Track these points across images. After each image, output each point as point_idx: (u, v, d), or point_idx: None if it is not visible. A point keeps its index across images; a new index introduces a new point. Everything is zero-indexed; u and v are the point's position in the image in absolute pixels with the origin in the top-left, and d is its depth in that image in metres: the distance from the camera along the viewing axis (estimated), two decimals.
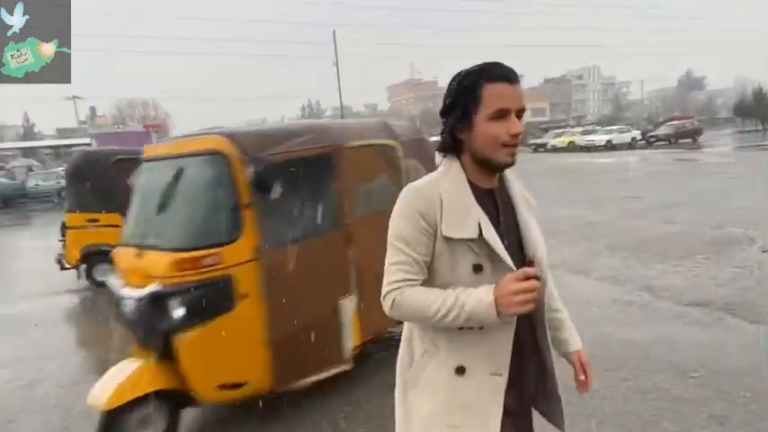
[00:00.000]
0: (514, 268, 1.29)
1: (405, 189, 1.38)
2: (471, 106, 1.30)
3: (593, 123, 47.15)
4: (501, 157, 1.31)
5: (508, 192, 1.43)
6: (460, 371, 1.34)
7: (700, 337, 4.12)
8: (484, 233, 1.29)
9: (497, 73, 1.30)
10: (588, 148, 32.10)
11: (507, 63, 1.34)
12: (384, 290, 1.35)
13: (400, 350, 1.49)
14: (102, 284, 6.26)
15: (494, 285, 1.26)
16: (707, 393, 3.24)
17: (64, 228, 7.16)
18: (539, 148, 36.80)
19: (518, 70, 1.33)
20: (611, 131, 34.09)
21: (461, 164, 1.38)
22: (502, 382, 1.35)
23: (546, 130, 42.71)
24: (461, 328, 1.32)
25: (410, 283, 1.32)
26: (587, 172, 19.77)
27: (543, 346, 1.46)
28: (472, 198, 1.33)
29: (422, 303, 1.29)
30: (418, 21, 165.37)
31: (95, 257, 6.90)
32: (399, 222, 1.34)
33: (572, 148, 33.50)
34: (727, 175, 14.02)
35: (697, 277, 5.57)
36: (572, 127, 45.20)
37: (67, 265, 7.23)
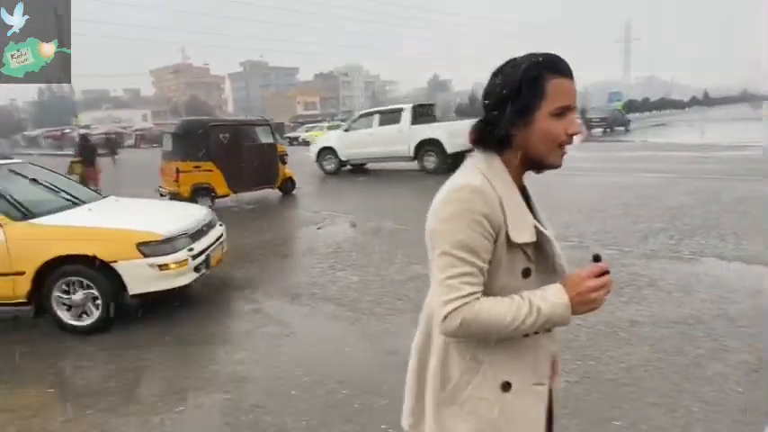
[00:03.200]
0: (566, 271, 1.25)
1: (456, 188, 1.17)
2: (534, 100, 1.16)
3: (338, 119, 51.34)
4: (553, 158, 1.21)
5: (527, 190, 1.31)
6: (506, 387, 1.22)
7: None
8: (543, 237, 1.21)
9: (562, 67, 1.19)
10: None
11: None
12: (447, 308, 1.12)
13: (431, 366, 1.30)
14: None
15: (560, 285, 1.18)
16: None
17: (178, 171, 9.96)
18: (293, 141, 38.82)
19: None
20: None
21: (502, 160, 1.23)
22: (545, 391, 1.27)
23: (302, 124, 45.24)
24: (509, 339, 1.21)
25: (478, 296, 1.14)
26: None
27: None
28: (521, 199, 1.22)
29: (496, 316, 1.13)
30: (188, 5, 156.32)
31: (199, 191, 10.01)
32: (458, 227, 1.13)
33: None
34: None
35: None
36: (342, 121, 48.31)
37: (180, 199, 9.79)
